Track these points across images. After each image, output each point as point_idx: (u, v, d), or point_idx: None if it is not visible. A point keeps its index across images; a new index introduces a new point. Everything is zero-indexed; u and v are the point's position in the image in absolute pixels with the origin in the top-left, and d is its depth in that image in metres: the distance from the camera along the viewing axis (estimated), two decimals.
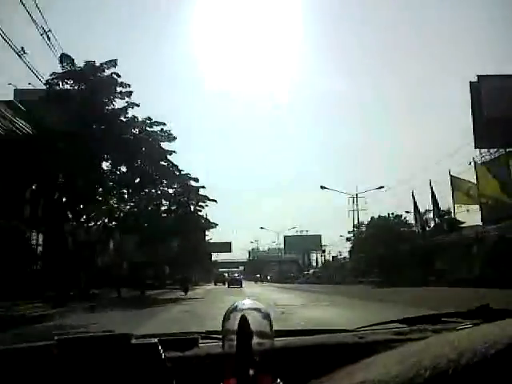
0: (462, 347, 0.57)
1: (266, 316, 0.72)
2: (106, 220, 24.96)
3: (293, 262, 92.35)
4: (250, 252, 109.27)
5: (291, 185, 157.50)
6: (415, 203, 40.77)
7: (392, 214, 46.86)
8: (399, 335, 0.99)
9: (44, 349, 0.86)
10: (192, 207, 34.63)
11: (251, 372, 0.66)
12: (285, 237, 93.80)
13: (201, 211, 37.18)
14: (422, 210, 42.39)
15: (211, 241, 63.67)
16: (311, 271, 68.84)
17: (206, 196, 34.53)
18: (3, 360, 0.87)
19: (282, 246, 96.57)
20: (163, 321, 10.60)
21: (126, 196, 23.91)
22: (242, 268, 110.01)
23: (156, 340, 0.78)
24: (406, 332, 1.04)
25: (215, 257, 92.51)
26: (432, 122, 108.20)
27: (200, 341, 1.00)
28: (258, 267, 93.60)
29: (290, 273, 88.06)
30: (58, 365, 0.82)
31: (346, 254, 67.52)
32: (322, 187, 48.56)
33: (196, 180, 31.90)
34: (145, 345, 0.76)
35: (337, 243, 74.25)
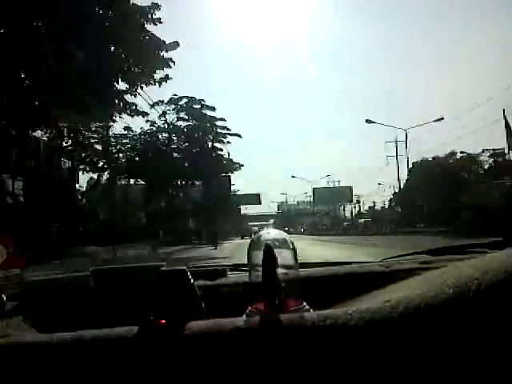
0: (486, 267, 0.60)
1: (290, 245, 0.75)
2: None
3: (326, 213, 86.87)
4: (279, 205, 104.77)
5: (320, 133, 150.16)
6: (507, 123, 29.27)
7: (453, 153, 39.42)
8: (424, 264, 0.99)
9: (80, 279, 0.93)
10: (210, 144, 29.64)
11: (278, 296, 0.71)
12: (314, 189, 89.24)
13: (222, 150, 33.07)
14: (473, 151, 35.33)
15: (239, 193, 60.22)
16: (361, 221, 58.73)
17: (225, 128, 29.54)
18: (41, 289, 0.95)
19: (311, 198, 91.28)
20: None
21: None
22: (272, 221, 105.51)
23: (185, 267, 0.80)
24: (431, 261, 1.04)
25: (244, 210, 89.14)
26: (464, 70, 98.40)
27: (228, 272, 1.06)
28: (290, 220, 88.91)
29: (322, 225, 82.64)
30: (93, 294, 0.88)
31: (382, 204, 61.39)
32: (367, 121, 41.34)
33: (212, 109, 26.68)
34: (174, 271, 0.78)
35: (372, 193, 67.88)
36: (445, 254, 1.19)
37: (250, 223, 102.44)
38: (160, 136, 30.40)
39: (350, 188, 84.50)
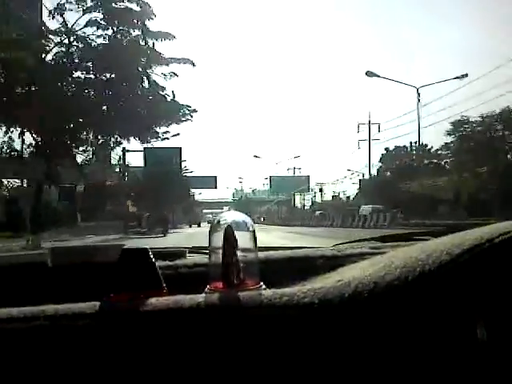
0: (430, 251, 0.66)
1: (250, 229, 0.78)
2: None
3: (286, 201, 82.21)
4: (234, 193, 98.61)
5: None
6: None
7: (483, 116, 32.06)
8: (374, 249, 1.06)
9: (38, 258, 0.92)
10: (140, 68, 17.68)
11: (236, 276, 0.73)
12: (271, 177, 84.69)
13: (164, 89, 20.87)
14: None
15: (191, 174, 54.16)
16: (317, 213, 55.02)
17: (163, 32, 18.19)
18: None
19: (267, 187, 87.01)
20: None
21: None
22: (227, 209, 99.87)
23: (147, 246, 0.81)
24: (381, 247, 1.12)
25: (197, 196, 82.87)
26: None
27: (187, 254, 1.10)
28: (247, 208, 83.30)
29: (281, 214, 78.57)
30: (51, 274, 0.88)
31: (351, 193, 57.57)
32: (368, 73, 34.55)
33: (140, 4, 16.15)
34: (137, 249, 0.79)
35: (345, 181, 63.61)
36: (394, 240, 1.26)
37: (205, 210, 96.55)
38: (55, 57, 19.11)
39: (308, 177, 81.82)
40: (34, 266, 0.89)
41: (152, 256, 0.78)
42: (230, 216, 0.78)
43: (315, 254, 1.01)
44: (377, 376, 0.62)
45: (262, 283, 0.76)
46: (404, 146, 43.21)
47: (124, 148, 31.38)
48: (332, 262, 0.93)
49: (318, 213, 54.38)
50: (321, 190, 74.37)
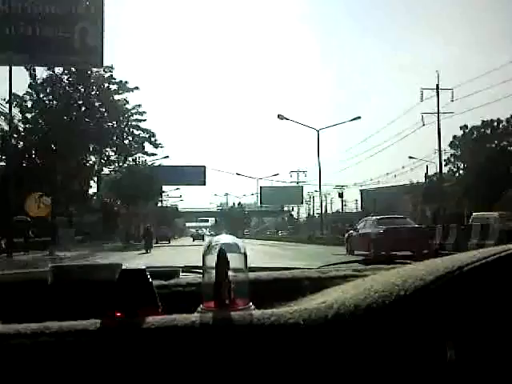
0: (406, 276, 0.77)
1: (242, 251, 0.86)
2: None
3: (279, 212, 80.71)
4: (218, 208, 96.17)
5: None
6: None
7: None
8: (357, 272, 1.16)
9: (38, 275, 0.98)
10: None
11: (228, 296, 0.81)
12: (261, 188, 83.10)
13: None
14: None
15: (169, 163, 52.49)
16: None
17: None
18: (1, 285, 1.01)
19: (255, 198, 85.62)
20: None
21: None
22: (212, 221, 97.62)
23: (144, 266, 0.89)
24: (363, 270, 1.22)
25: (180, 204, 78.28)
26: None
27: (180, 274, 1.20)
28: (233, 220, 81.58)
29: (269, 228, 76.96)
30: (51, 290, 0.95)
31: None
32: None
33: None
34: (135, 270, 0.87)
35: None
36: (376, 263, 1.40)
37: (188, 224, 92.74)
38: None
39: (301, 188, 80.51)
40: (35, 283, 0.97)
41: (149, 276, 0.87)
42: (223, 238, 0.88)
43: (301, 276, 1.12)
44: None
45: (251, 303, 0.85)
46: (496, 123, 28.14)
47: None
48: (317, 284, 1.04)
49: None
50: (341, 196, 66.08)
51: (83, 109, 31.19)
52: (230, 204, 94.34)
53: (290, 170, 72.85)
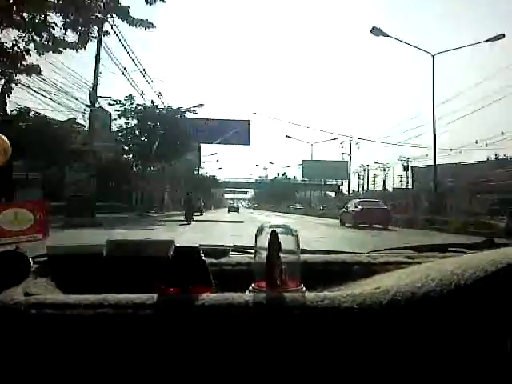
0: (466, 265, 0.75)
1: (294, 233, 0.89)
2: None
3: (322, 186, 77.31)
4: (259, 178, 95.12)
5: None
6: None
7: None
8: (409, 259, 1.15)
9: (95, 249, 1.02)
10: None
11: (279, 277, 0.84)
12: (303, 161, 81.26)
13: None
14: None
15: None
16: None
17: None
18: (59, 259, 1.07)
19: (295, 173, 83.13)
20: None
21: None
22: (250, 194, 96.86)
23: (198, 245, 0.92)
24: (416, 257, 1.20)
25: (217, 173, 74.54)
26: None
27: (230, 253, 1.24)
28: (275, 194, 79.10)
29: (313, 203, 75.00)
30: (107, 264, 0.99)
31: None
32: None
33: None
34: (189, 248, 0.91)
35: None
36: (429, 251, 1.36)
37: (227, 195, 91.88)
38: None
39: (346, 163, 77.94)
40: (91, 256, 1.03)
41: (203, 255, 0.91)
42: (274, 220, 0.90)
43: (351, 260, 1.13)
44: (410, 381, 0.73)
45: (302, 285, 0.88)
46: None
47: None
48: (367, 269, 1.05)
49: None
50: (406, 169, 57.25)
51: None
52: (272, 175, 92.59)
53: (342, 140, 66.87)
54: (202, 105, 36.19)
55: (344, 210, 26.33)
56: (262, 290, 0.85)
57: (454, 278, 0.74)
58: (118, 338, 0.76)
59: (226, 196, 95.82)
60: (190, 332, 0.77)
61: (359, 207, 23.39)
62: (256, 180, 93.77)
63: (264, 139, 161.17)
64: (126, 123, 31.82)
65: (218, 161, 69.39)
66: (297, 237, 0.89)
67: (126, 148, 32.29)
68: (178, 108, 33.46)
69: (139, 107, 31.21)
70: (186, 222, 23.15)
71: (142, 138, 31.82)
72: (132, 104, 31.28)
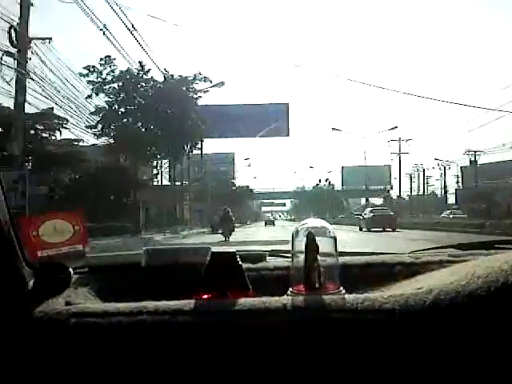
0: None
1: (331, 235, 0.89)
2: None
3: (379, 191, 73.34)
4: (294, 191, 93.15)
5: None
6: None
7: None
8: (453, 257, 1.11)
9: (133, 258, 1.07)
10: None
11: (318, 280, 0.85)
12: (343, 168, 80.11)
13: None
14: None
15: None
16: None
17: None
18: (99, 269, 1.11)
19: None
20: None
21: None
22: (288, 205, 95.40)
23: (235, 250, 0.94)
24: (460, 255, 1.17)
25: (251, 182, 66.81)
26: None
27: (267, 257, 1.23)
28: (323, 201, 74.92)
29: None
30: (145, 272, 1.05)
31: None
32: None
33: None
34: (226, 253, 0.93)
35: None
36: (474, 248, 1.33)
37: (264, 208, 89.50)
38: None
39: (389, 167, 75.48)
40: (130, 265, 1.06)
41: (239, 260, 0.92)
42: (311, 222, 0.91)
43: (393, 261, 1.11)
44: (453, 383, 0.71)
45: (341, 287, 0.87)
46: None
47: None
48: (410, 269, 1.03)
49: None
50: (473, 162, 47.79)
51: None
52: (309, 183, 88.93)
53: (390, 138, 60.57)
54: (222, 83, 26.23)
55: (360, 216, 31.57)
56: (301, 293, 0.85)
57: (501, 274, 0.72)
58: (158, 345, 0.78)
59: (264, 209, 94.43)
60: (227, 336, 0.77)
61: (371, 214, 28.64)
62: (294, 190, 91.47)
63: (302, 133, 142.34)
64: (108, 102, 21.95)
65: (250, 165, 55.52)
66: (334, 238, 0.89)
67: (111, 140, 22.66)
68: (186, 77, 23.81)
69: (123, 74, 21.80)
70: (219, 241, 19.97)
71: (125, 120, 22.45)
72: (113, 71, 21.92)
